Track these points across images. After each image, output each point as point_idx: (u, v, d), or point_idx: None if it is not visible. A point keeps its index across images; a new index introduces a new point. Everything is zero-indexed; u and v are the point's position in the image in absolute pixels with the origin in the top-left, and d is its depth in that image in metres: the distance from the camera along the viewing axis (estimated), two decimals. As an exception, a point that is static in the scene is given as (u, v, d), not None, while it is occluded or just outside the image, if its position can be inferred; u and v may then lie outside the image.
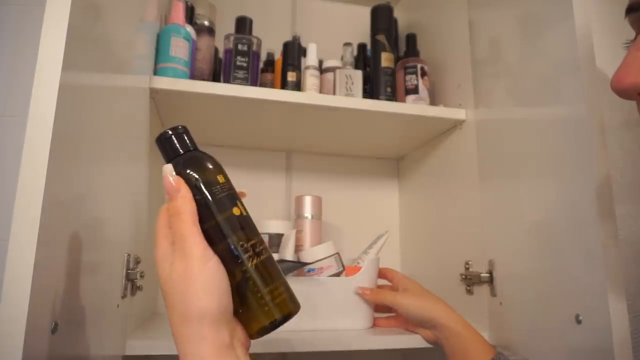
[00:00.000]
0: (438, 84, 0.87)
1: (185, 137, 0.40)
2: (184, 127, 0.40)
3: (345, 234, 0.98)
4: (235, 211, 0.37)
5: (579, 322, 0.49)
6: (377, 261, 0.73)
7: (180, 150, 0.39)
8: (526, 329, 0.59)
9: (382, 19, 0.87)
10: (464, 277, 0.73)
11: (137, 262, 0.62)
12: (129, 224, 0.59)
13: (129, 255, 0.58)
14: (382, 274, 0.74)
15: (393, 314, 0.73)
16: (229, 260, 0.36)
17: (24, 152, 0.33)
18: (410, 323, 0.67)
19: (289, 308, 0.37)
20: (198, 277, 0.33)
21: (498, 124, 0.68)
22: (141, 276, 0.63)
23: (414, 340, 0.65)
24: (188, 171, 0.38)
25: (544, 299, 0.55)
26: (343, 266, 0.73)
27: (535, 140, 0.59)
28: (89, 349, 0.44)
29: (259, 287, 0.36)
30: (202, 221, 0.36)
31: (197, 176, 0.37)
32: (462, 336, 0.59)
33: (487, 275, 0.67)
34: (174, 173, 0.37)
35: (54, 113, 0.34)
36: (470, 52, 0.76)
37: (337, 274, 0.72)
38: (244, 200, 0.40)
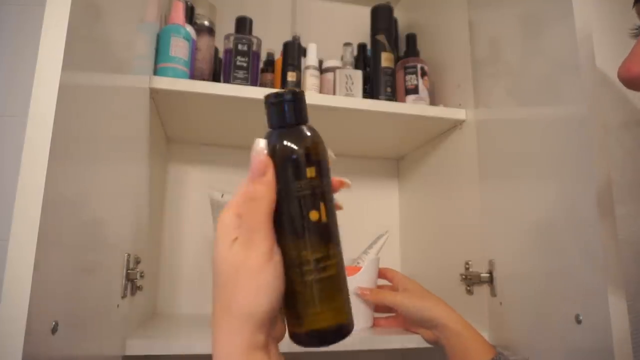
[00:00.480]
0: (438, 84, 0.87)
1: (294, 107, 0.33)
2: (297, 94, 0.34)
3: (345, 234, 0.98)
4: (313, 216, 0.32)
5: (579, 322, 0.49)
6: (377, 261, 0.73)
7: (282, 122, 0.33)
8: (526, 329, 0.59)
9: (382, 19, 0.87)
10: (464, 277, 0.73)
11: (137, 262, 0.62)
12: (129, 224, 0.59)
13: (129, 255, 0.58)
14: (382, 274, 0.74)
15: (393, 314, 0.73)
16: (287, 264, 0.33)
17: (24, 152, 0.33)
18: (411, 323, 0.67)
19: (327, 330, 0.33)
20: (254, 275, 0.31)
21: (498, 124, 0.68)
22: (141, 276, 0.63)
23: (414, 340, 0.65)
24: (277, 153, 0.33)
25: (544, 299, 0.55)
26: (343, 266, 0.73)
27: (536, 140, 0.59)
28: (89, 349, 0.44)
29: (306, 302, 0.33)
30: (276, 212, 0.33)
31: (283, 164, 0.33)
32: (462, 336, 0.59)
33: (487, 275, 0.67)
34: (265, 151, 0.33)
35: (54, 113, 0.34)
36: (470, 52, 0.76)
37: (337, 274, 0.71)
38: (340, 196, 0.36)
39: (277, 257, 0.32)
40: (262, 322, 0.31)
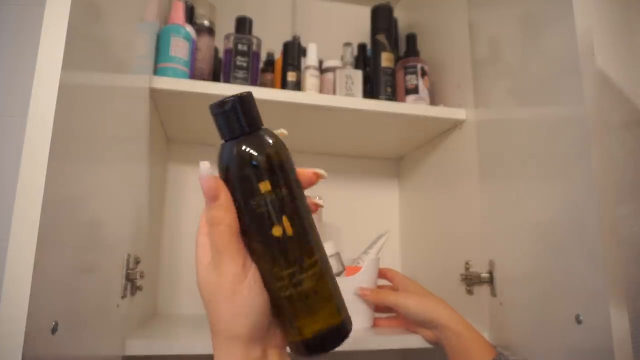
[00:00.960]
0: (438, 84, 0.87)
1: (235, 116, 0.30)
2: (237, 99, 0.30)
3: (345, 234, 0.98)
4: (276, 232, 0.30)
5: (579, 322, 0.49)
6: (377, 261, 0.73)
7: (227, 134, 0.31)
8: (526, 329, 0.59)
9: (382, 19, 0.87)
10: (464, 277, 0.73)
11: (137, 262, 0.62)
12: (129, 224, 0.59)
13: (129, 255, 0.58)
14: (382, 274, 0.74)
15: (393, 314, 0.73)
16: (265, 279, 0.31)
17: (24, 152, 0.33)
18: (411, 323, 0.67)
19: (322, 337, 0.31)
20: (229, 298, 0.30)
21: (498, 124, 0.68)
22: (141, 276, 0.63)
23: (414, 341, 0.65)
24: (227, 171, 0.30)
25: (545, 299, 0.55)
26: (343, 266, 0.73)
27: (535, 140, 0.59)
28: (89, 349, 0.44)
29: (293, 314, 0.31)
30: (242, 232, 0.31)
31: (233, 182, 0.30)
32: (462, 336, 0.59)
33: (487, 275, 0.67)
34: (209, 173, 0.31)
35: (54, 113, 0.34)
36: (470, 52, 0.76)
37: (337, 274, 0.72)
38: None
39: (252, 274, 0.31)
40: (251, 339, 0.31)
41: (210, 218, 0.31)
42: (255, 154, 0.30)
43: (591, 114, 0.50)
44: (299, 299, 0.31)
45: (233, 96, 0.30)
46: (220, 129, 0.31)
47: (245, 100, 0.30)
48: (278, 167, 0.30)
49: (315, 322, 0.31)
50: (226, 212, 0.30)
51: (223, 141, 0.31)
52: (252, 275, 0.31)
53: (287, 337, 0.33)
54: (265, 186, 0.29)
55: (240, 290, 0.30)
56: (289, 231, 0.30)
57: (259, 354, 0.31)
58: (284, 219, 0.30)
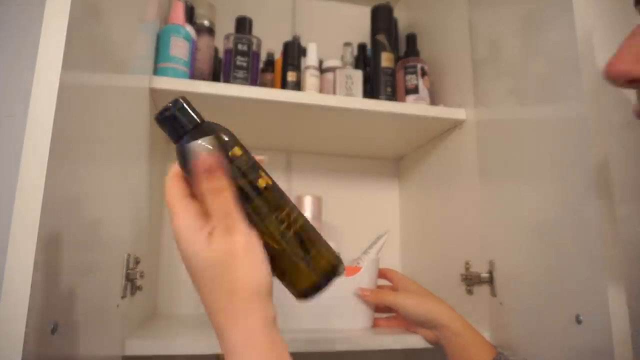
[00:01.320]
0: (438, 83, 0.87)
1: (190, 110, 0.36)
2: (184, 99, 0.36)
3: (345, 234, 0.98)
4: (261, 182, 0.35)
5: (579, 322, 0.49)
6: (377, 261, 0.72)
7: (190, 125, 0.36)
8: (526, 329, 0.59)
9: (382, 19, 0.87)
10: (464, 277, 0.73)
11: (137, 262, 0.62)
12: (129, 224, 0.59)
13: (129, 255, 0.58)
14: (382, 274, 0.74)
15: (393, 314, 0.73)
16: (264, 233, 0.35)
17: (23, 152, 0.33)
18: (411, 323, 0.66)
19: (330, 268, 0.37)
20: (249, 251, 0.33)
21: (498, 123, 0.68)
22: (141, 276, 0.63)
23: (414, 340, 0.65)
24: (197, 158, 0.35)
25: (545, 299, 0.55)
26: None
27: (536, 140, 0.59)
28: (88, 349, 0.44)
29: (298, 256, 0.36)
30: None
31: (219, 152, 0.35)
32: (462, 336, 0.59)
33: (487, 275, 0.67)
34: (205, 151, 0.35)
35: (53, 113, 0.34)
36: (470, 52, 0.76)
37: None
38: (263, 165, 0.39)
39: (254, 232, 0.35)
40: (269, 294, 0.33)
41: (213, 188, 0.34)
42: (220, 128, 0.36)
43: (591, 113, 0.50)
44: (300, 236, 0.36)
45: (171, 102, 0.36)
46: (173, 130, 0.35)
47: (183, 101, 0.36)
48: (235, 140, 0.36)
49: (320, 255, 0.36)
50: (227, 179, 0.34)
51: (177, 144, 0.36)
52: (255, 233, 0.35)
53: (296, 284, 0.36)
54: (238, 150, 0.35)
55: (255, 242, 0.34)
56: (269, 181, 0.36)
57: (273, 315, 0.34)
58: (261, 171, 0.36)
